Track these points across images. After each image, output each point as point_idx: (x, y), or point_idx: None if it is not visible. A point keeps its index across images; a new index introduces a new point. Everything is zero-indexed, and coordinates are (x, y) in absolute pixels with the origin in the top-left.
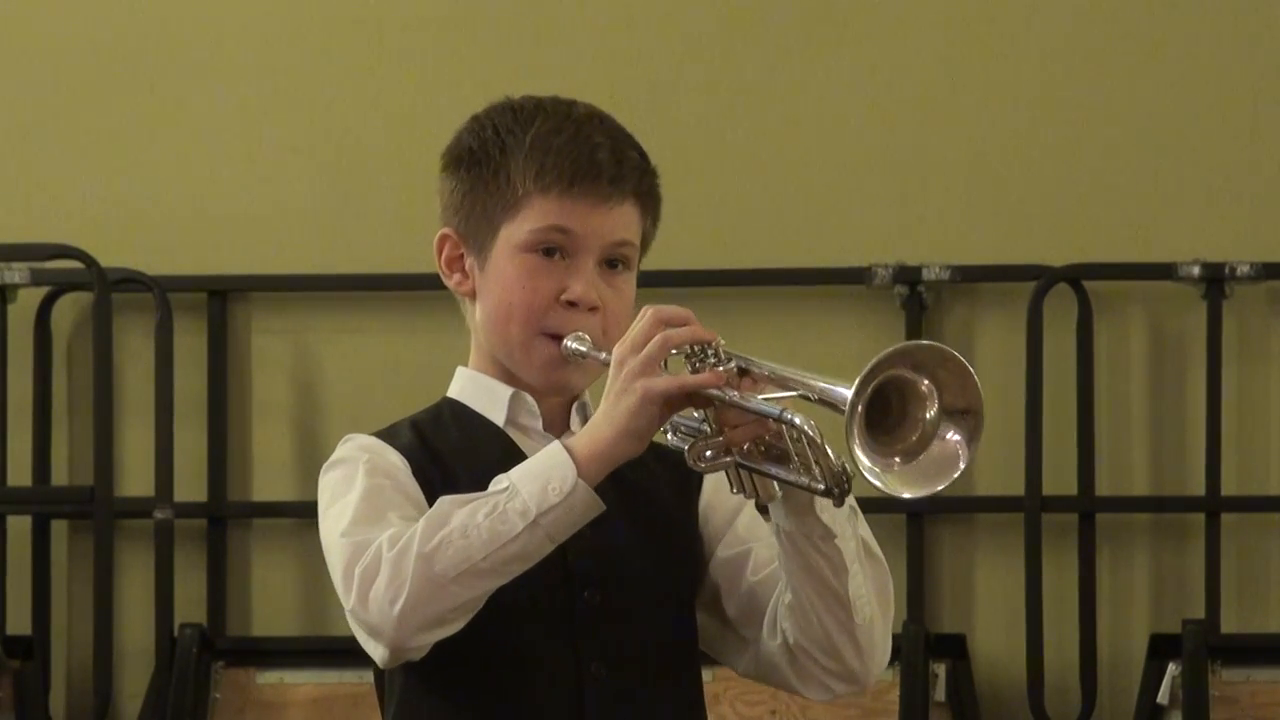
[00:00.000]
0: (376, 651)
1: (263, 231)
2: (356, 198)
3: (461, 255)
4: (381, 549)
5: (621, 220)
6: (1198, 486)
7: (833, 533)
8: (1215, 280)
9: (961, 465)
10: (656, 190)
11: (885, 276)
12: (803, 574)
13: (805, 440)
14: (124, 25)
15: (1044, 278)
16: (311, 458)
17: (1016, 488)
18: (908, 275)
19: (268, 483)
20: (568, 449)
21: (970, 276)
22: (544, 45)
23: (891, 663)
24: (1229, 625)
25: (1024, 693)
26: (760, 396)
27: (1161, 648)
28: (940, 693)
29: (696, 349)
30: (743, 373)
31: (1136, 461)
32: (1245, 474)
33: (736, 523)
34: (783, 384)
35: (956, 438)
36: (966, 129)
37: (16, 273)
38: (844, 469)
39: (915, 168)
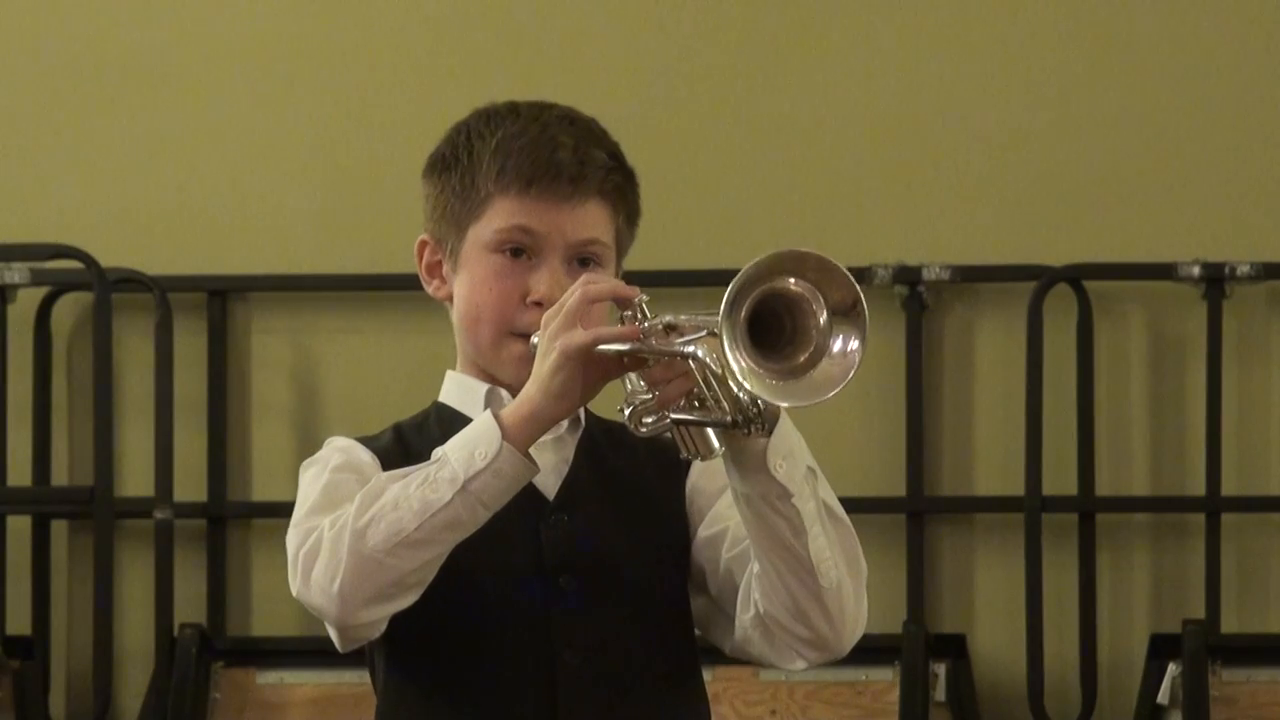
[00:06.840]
0: (331, 633)
1: (263, 231)
2: (356, 198)
3: (440, 261)
4: (323, 531)
5: (586, 219)
6: (1198, 486)
7: (789, 492)
8: (1215, 280)
9: (856, 363)
10: (627, 189)
11: (885, 276)
12: (764, 538)
13: (710, 374)
14: (124, 26)
15: (1044, 278)
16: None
17: (1016, 488)
18: (908, 275)
19: (267, 483)
20: (496, 416)
21: (970, 276)
22: (543, 47)
23: (891, 663)
24: (1229, 625)
25: (1024, 693)
26: (678, 341)
27: (1161, 648)
28: (940, 693)
29: (627, 313)
30: (670, 329)
31: (1136, 461)
32: (1245, 474)
33: (718, 502)
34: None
35: (853, 344)
36: (966, 129)
37: (16, 273)
38: (750, 397)
39: (915, 168)
